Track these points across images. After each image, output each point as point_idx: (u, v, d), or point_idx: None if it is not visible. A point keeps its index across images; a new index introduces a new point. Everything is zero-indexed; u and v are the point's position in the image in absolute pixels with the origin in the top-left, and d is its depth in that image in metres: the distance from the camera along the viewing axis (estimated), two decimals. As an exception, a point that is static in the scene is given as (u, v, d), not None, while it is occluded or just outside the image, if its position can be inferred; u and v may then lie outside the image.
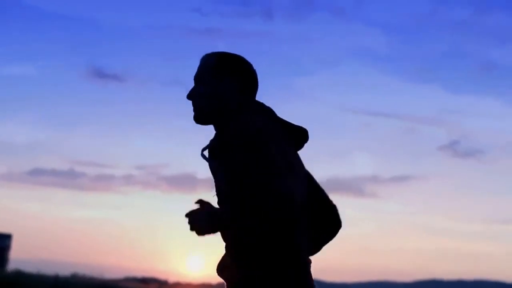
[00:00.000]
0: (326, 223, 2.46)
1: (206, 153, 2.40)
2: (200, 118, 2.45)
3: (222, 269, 2.37)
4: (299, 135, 2.41)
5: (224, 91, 2.41)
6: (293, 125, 2.40)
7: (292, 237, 2.21)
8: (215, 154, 2.32)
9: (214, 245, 2.36)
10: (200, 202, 2.25)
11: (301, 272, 2.28)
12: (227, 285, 2.36)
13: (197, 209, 2.23)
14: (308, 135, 2.42)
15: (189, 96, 2.46)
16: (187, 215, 2.21)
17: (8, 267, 29.60)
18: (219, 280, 2.40)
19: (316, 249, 2.47)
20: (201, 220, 2.19)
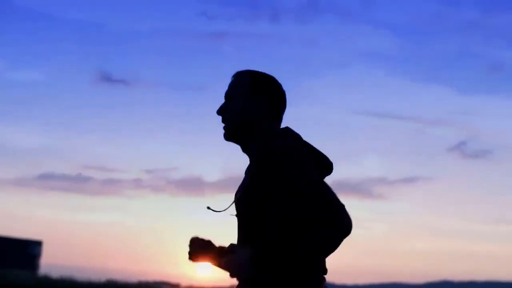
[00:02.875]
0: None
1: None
2: (231, 135, 2.45)
3: None
4: (324, 165, 2.41)
5: (256, 109, 2.43)
6: (320, 152, 2.41)
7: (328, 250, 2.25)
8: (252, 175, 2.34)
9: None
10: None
11: (319, 283, 2.32)
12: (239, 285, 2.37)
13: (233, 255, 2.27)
14: (333, 168, 2.42)
15: (219, 112, 2.48)
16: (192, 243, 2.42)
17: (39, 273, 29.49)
18: (231, 282, 2.42)
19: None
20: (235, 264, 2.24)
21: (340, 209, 2.19)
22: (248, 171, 2.42)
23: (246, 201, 2.34)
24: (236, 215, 2.41)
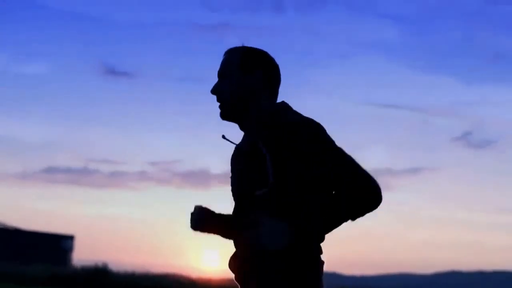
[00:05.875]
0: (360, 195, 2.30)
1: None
2: (227, 114, 2.43)
3: (234, 264, 2.38)
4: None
5: (250, 86, 2.39)
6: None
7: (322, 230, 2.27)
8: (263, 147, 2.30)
9: (229, 241, 2.36)
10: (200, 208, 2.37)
11: (317, 269, 2.30)
12: (237, 277, 2.37)
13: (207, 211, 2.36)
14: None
15: (213, 91, 2.44)
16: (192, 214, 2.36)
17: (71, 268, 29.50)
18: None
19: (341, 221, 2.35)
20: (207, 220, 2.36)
21: (375, 181, 2.30)
22: (247, 144, 2.39)
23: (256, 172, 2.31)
24: (237, 188, 2.40)
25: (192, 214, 2.37)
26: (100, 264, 23.77)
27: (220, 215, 2.38)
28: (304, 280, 2.25)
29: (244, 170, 2.37)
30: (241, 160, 2.40)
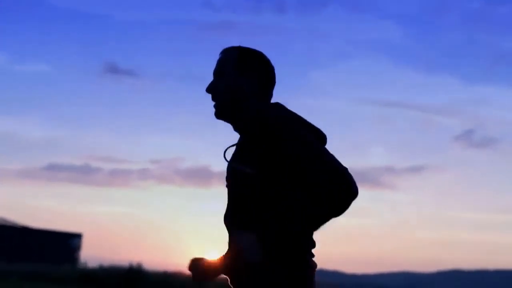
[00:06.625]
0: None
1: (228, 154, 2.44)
2: (222, 113, 2.42)
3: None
4: (318, 136, 2.35)
5: (246, 86, 2.39)
6: (312, 125, 2.36)
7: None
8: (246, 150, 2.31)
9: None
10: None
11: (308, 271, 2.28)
12: (230, 278, 2.35)
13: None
14: (326, 140, 2.38)
15: (208, 90, 2.43)
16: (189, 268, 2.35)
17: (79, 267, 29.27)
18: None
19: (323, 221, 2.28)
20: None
21: (346, 171, 2.17)
22: (240, 144, 2.39)
23: (239, 173, 2.31)
24: (227, 186, 2.40)
25: (190, 269, 2.34)
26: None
27: (214, 260, 2.33)
28: (295, 285, 2.23)
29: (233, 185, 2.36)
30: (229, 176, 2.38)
